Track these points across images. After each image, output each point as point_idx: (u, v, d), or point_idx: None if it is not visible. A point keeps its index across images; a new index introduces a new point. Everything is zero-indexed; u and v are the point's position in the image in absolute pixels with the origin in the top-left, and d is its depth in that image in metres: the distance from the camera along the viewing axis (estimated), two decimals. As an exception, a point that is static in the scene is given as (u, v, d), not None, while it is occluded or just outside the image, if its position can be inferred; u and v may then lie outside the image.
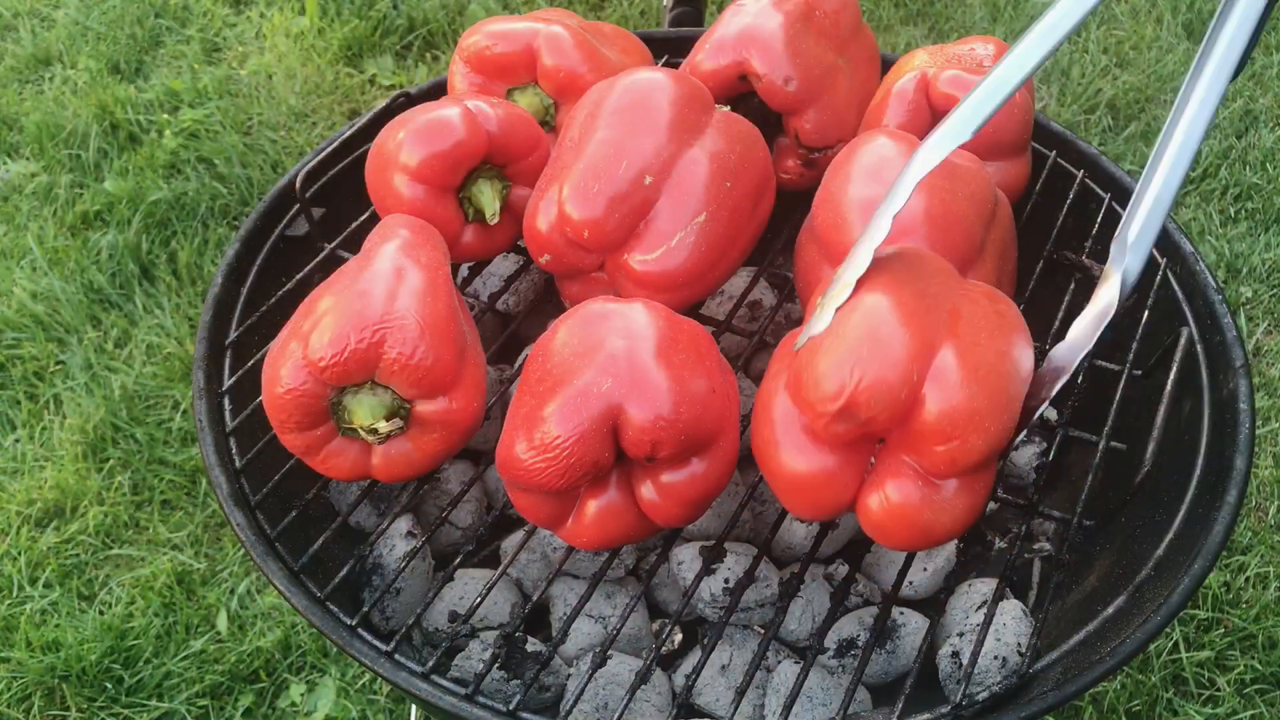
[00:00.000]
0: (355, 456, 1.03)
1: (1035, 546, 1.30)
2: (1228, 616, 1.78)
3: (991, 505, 1.19)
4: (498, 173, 1.19)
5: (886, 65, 1.35)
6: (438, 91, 1.39)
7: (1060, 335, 1.18)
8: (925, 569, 1.23)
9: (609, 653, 1.16)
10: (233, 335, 1.23)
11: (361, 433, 0.98)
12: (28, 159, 2.52)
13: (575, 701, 0.97)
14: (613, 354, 0.92)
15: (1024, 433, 1.28)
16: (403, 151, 1.12)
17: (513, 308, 1.45)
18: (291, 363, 0.96)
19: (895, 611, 1.20)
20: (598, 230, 1.06)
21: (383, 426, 0.97)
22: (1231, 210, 2.38)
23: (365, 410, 0.97)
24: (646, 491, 0.96)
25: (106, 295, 2.24)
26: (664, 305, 1.01)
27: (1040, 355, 1.17)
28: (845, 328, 0.87)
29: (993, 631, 1.11)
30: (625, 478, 0.97)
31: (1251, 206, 2.38)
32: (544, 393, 0.93)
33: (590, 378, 0.91)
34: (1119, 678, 1.73)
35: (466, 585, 1.22)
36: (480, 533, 1.09)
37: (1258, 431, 1.96)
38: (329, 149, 1.30)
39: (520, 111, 1.19)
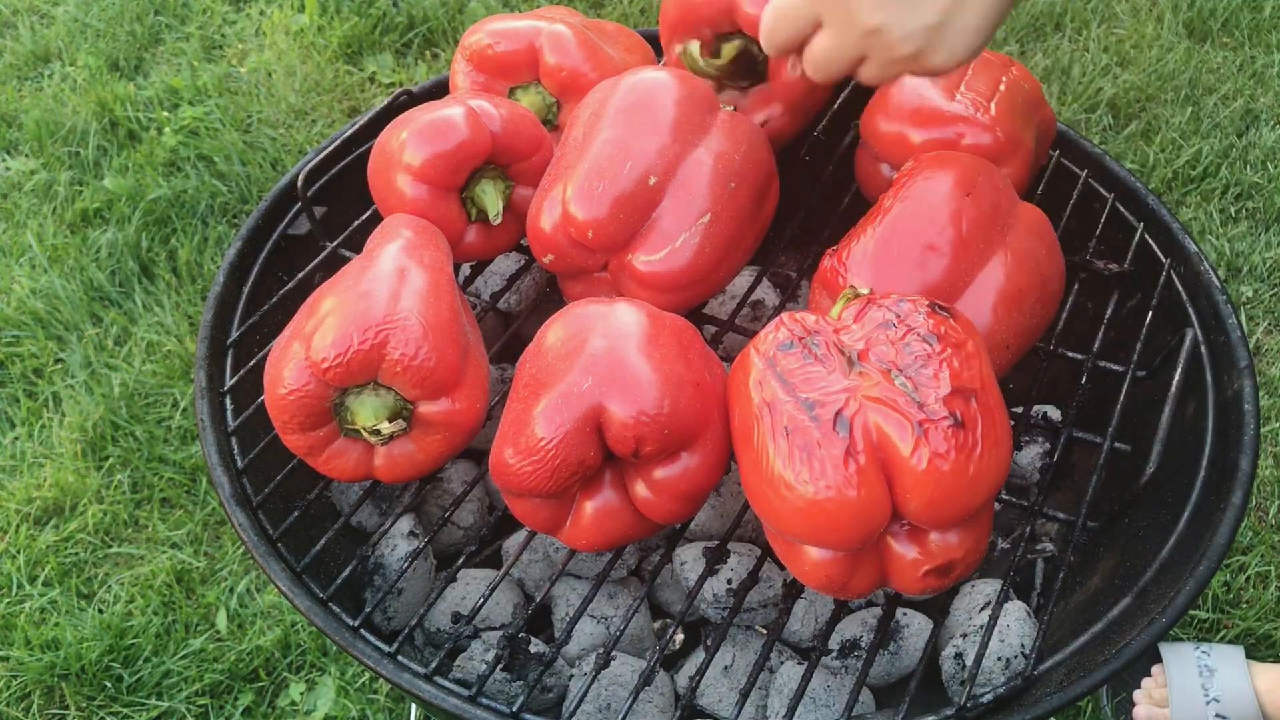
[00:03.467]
0: (358, 457, 1.03)
1: (1039, 547, 1.30)
2: (1228, 617, 1.78)
3: (995, 506, 1.19)
4: (501, 173, 1.18)
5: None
6: (440, 90, 1.39)
7: (1065, 336, 1.18)
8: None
9: (612, 654, 1.16)
10: (234, 335, 1.23)
11: (364, 434, 0.98)
12: (27, 156, 2.52)
13: (578, 703, 0.97)
14: (593, 354, 0.92)
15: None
16: (405, 151, 1.12)
17: (515, 307, 1.45)
18: (294, 363, 0.96)
19: (899, 612, 1.20)
20: (602, 231, 1.06)
21: (385, 428, 0.97)
22: (1232, 209, 2.38)
23: (368, 411, 0.97)
24: (640, 489, 0.95)
25: (106, 293, 2.23)
26: (652, 304, 1.01)
27: (1041, 357, 1.17)
28: None
29: (996, 633, 1.11)
30: (619, 477, 0.97)
31: (1252, 206, 2.38)
32: (529, 397, 0.93)
33: (572, 378, 0.91)
34: (1120, 678, 1.72)
35: (469, 586, 1.22)
36: (483, 533, 1.09)
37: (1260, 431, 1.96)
38: (331, 147, 1.30)
39: (523, 111, 1.19)
